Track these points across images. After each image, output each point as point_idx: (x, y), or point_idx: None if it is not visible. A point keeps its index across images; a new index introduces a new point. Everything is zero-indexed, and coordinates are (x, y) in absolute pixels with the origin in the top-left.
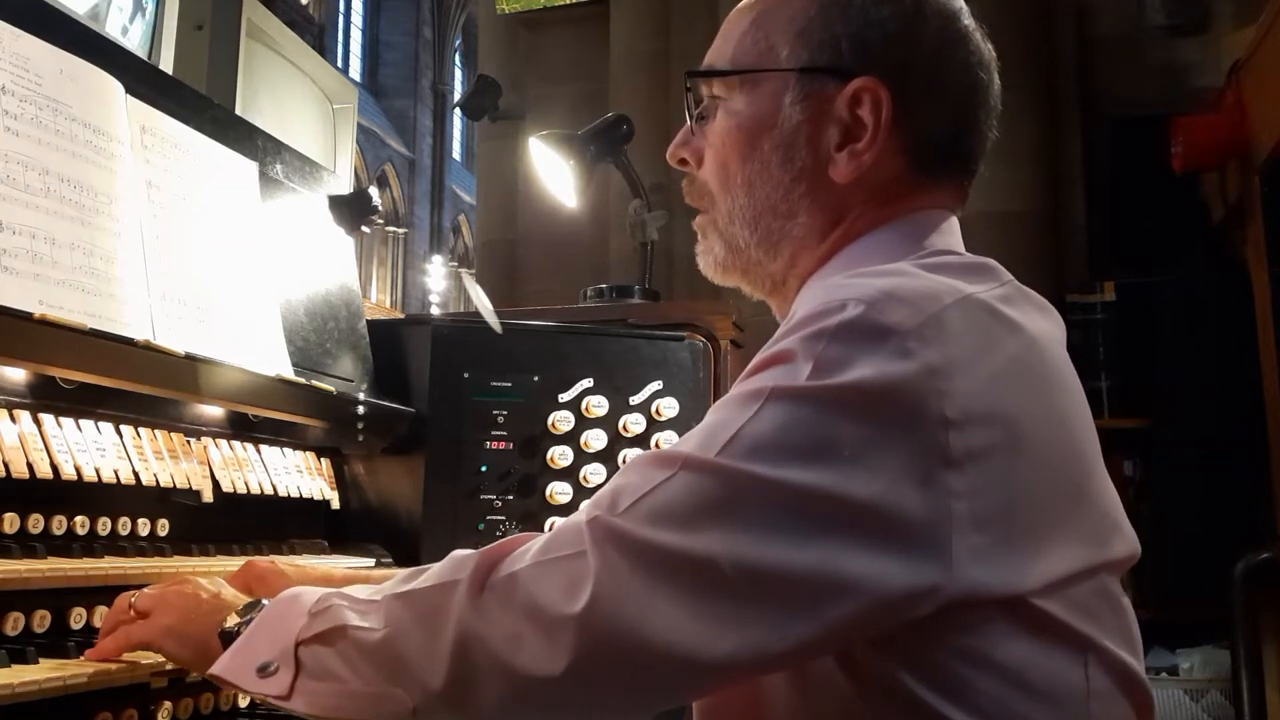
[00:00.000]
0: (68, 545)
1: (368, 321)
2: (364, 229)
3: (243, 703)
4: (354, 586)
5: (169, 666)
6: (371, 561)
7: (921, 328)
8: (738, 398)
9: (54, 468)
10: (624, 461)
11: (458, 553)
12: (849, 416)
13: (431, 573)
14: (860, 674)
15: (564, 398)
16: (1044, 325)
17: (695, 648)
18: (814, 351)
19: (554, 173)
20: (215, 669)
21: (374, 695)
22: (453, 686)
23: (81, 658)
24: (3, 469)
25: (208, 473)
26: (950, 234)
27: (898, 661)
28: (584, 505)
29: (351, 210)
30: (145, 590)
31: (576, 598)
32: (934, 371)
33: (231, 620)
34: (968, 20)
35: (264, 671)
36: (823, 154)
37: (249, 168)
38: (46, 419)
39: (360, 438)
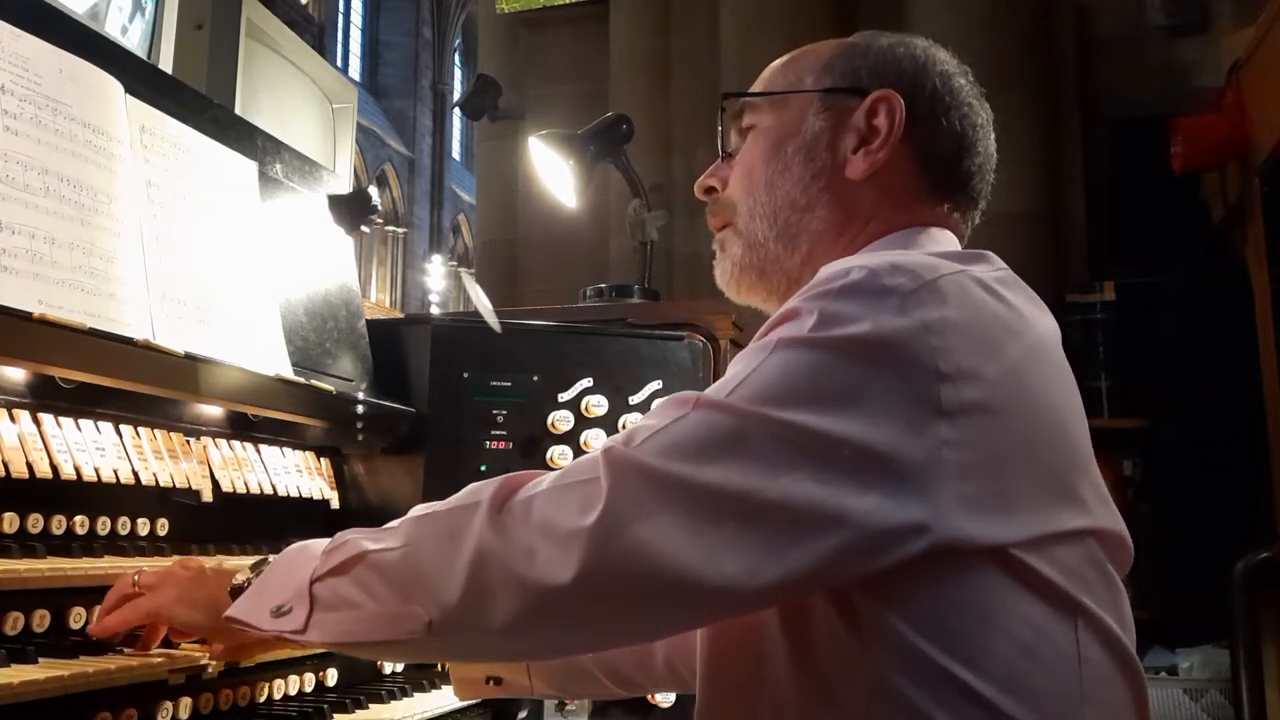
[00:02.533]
0: (67, 545)
1: (367, 321)
2: (364, 229)
3: (242, 702)
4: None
5: (171, 667)
6: None
7: (920, 290)
8: (750, 350)
9: (54, 467)
10: None
11: (475, 483)
12: (849, 365)
13: (451, 498)
14: (860, 629)
15: (564, 397)
16: (1039, 317)
17: (695, 566)
18: (818, 307)
19: (554, 173)
20: (231, 610)
21: (391, 615)
22: (468, 600)
23: (87, 631)
24: (3, 469)
25: (207, 472)
26: (951, 248)
27: (896, 614)
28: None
29: (351, 210)
30: (145, 569)
31: (588, 514)
32: (929, 328)
33: (241, 576)
34: (966, 81)
35: (278, 612)
36: (840, 156)
37: (249, 167)
38: (46, 419)
39: (360, 437)
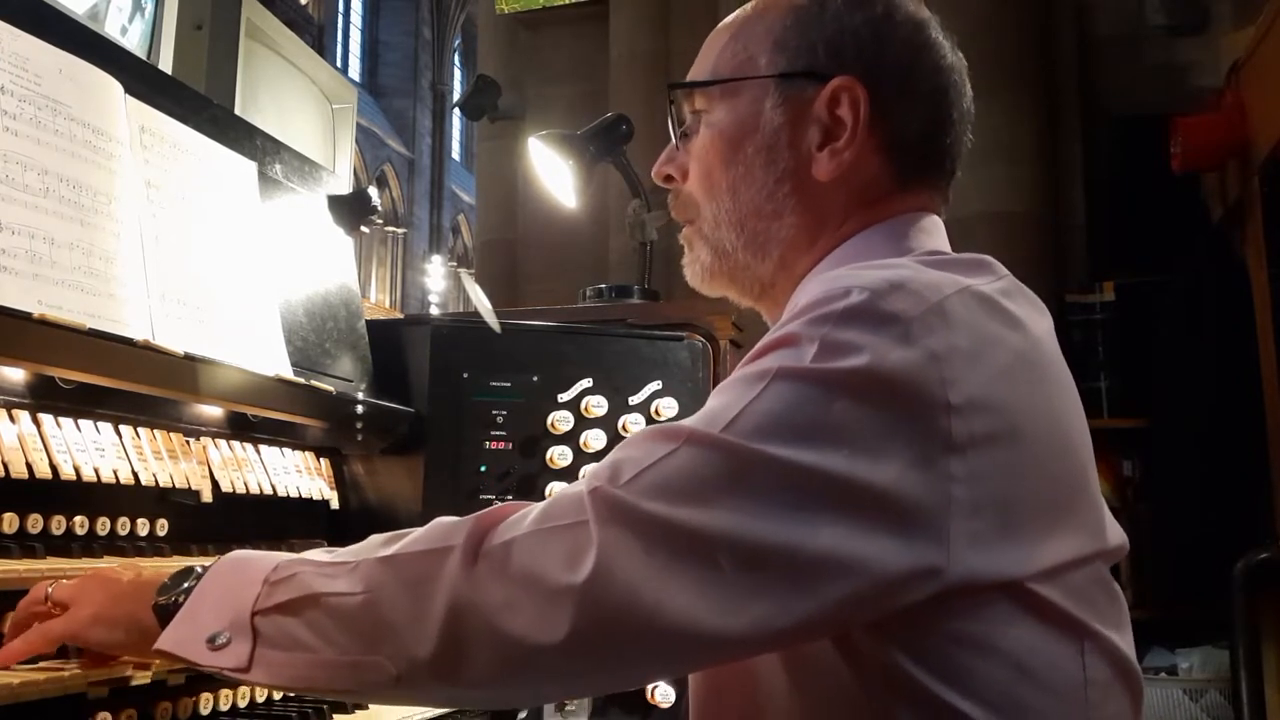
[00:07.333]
0: (67, 545)
1: (367, 321)
2: (363, 229)
3: (242, 703)
4: (312, 551)
5: (174, 667)
6: None
7: (925, 315)
8: (743, 378)
9: (53, 468)
10: None
11: (443, 519)
12: (853, 400)
13: (416, 538)
14: (860, 661)
15: (563, 398)
16: (1041, 322)
17: (697, 622)
18: (819, 335)
19: (554, 173)
20: (162, 643)
21: (350, 664)
22: (442, 655)
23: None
24: (2, 469)
25: (207, 473)
26: (936, 235)
27: (897, 647)
28: (584, 474)
29: (351, 210)
30: (62, 582)
31: (578, 568)
32: (936, 358)
33: (166, 594)
34: (936, 31)
35: (214, 643)
36: (804, 154)
37: (248, 168)
38: (46, 419)
39: (360, 438)
